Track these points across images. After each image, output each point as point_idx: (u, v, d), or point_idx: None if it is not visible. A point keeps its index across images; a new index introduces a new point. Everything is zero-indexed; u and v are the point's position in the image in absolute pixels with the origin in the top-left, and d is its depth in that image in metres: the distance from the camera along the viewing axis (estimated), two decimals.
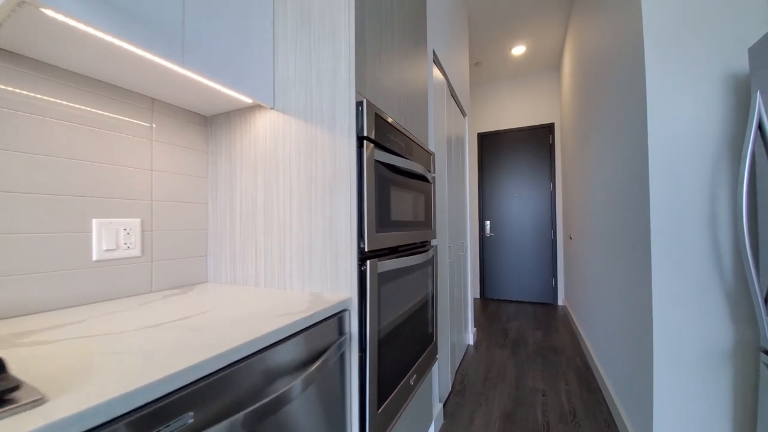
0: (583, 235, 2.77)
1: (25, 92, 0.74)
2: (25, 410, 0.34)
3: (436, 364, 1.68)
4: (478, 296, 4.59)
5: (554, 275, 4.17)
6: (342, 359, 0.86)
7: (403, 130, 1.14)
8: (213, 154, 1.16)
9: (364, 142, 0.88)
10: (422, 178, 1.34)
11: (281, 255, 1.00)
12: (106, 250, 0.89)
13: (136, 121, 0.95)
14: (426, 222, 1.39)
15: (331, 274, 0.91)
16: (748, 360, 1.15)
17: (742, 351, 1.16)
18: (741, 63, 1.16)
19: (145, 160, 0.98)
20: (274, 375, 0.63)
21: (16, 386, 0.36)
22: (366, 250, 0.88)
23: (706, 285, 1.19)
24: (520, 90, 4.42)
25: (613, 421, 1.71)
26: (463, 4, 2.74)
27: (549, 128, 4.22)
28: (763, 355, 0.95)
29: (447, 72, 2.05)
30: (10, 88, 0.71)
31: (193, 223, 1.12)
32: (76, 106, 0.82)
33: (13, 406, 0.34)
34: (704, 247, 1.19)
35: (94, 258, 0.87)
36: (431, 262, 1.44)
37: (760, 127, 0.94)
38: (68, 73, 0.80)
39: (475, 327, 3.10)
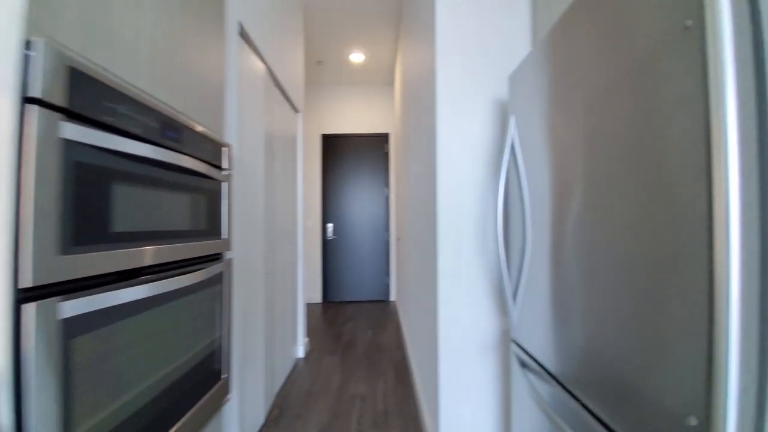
0: (405, 237, 3.02)
1: None
2: None
3: (234, 404, 1.39)
4: (320, 300, 4.49)
5: (387, 273, 4.49)
6: None
7: (152, 104, 0.81)
8: None
9: (38, 108, 0.53)
10: (201, 174, 1.04)
11: None
12: None
13: None
14: (210, 230, 1.10)
15: None
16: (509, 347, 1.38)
17: (506, 339, 1.37)
18: (506, 91, 1.38)
19: None
20: None
21: None
22: (32, 284, 0.53)
23: (482, 282, 1.37)
24: (361, 97, 4.59)
25: (417, 413, 1.84)
26: None
27: (385, 137, 4.54)
28: (512, 345, 1.11)
29: (264, 55, 1.80)
30: None
31: None
32: None
33: None
34: (478, 249, 1.37)
35: None
36: (217, 281, 1.15)
37: (513, 147, 1.10)
38: None
39: (307, 337, 2.94)
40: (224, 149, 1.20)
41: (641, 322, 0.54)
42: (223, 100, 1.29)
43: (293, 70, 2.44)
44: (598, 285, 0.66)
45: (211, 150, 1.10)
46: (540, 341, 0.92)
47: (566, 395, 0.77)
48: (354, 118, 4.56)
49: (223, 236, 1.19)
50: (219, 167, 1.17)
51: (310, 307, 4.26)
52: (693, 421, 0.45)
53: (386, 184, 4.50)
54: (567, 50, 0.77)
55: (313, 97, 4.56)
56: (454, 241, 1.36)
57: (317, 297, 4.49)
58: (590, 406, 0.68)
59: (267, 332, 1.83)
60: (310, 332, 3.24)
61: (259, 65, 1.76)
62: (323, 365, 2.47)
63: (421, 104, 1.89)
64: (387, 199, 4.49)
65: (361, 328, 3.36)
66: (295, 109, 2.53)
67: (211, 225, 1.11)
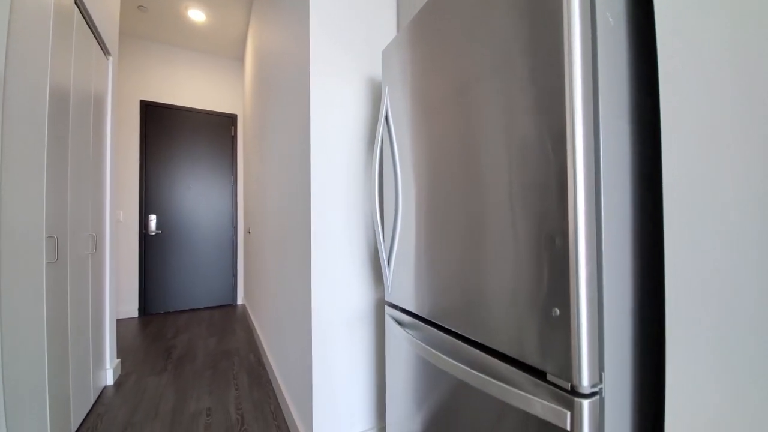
0: (261, 226, 2.73)
1: None
2: None
3: None
4: (136, 314, 3.50)
5: (234, 274, 3.96)
6: None
7: None
8: None
9: None
10: None
11: None
12: None
13: None
14: None
15: None
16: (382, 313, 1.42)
17: (380, 306, 1.41)
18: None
19: None
20: None
21: None
22: None
23: (357, 255, 1.36)
24: (204, 67, 3.88)
25: (280, 408, 1.68)
26: None
27: (232, 119, 4.00)
28: (388, 308, 1.14)
29: None
30: None
31: None
32: None
33: None
34: (352, 222, 1.35)
35: None
36: None
37: (387, 117, 1.13)
38: None
39: (119, 358, 2.22)
40: None
41: (498, 252, 0.64)
42: None
43: None
44: (456, 235, 0.75)
45: None
46: (412, 294, 0.97)
47: (438, 331, 0.84)
48: (192, 90, 3.80)
49: None
50: None
51: (121, 324, 3.26)
52: (557, 312, 0.55)
53: (233, 171, 3.96)
54: (436, 30, 0.85)
55: (130, 51, 3.53)
56: (328, 216, 1.30)
57: (132, 310, 3.48)
58: (460, 331, 0.75)
59: (55, 355, 1.25)
60: (124, 352, 2.46)
61: None
62: (147, 387, 1.91)
63: (288, 80, 1.74)
64: (234, 188, 3.96)
65: (201, 337, 2.81)
66: (105, 51, 1.88)
67: None
